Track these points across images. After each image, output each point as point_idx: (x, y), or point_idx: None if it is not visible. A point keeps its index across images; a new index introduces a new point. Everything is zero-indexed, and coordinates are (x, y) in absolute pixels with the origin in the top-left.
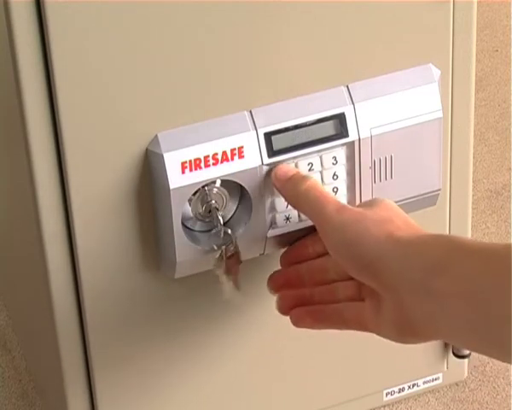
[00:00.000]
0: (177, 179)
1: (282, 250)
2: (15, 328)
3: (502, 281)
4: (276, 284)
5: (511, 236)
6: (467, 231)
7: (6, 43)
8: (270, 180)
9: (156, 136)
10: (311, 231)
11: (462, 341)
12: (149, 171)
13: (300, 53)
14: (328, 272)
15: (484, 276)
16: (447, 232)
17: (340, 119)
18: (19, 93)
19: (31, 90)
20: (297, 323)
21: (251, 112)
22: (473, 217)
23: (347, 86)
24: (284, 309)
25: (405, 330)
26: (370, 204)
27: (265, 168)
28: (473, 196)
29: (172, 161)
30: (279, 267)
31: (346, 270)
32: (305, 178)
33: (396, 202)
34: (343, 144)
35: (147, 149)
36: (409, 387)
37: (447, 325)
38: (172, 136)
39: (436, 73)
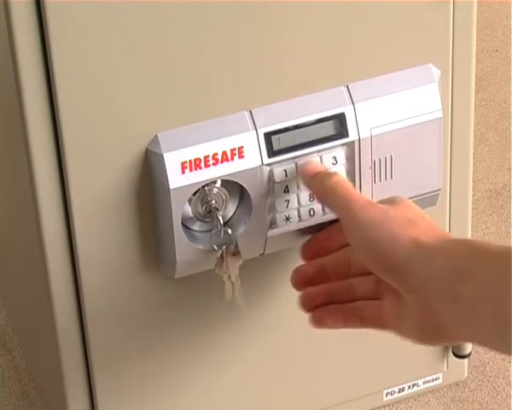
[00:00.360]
0: (177, 179)
1: (283, 250)
2: (15, 328)
3: None
4: (301, 279)
5: (511, 236)
6: (467, 231)
7: (6, 43)
8: (270, 180)
9: (156, 136)
10: (323, 225)
11: (487, 343)
12: (149, 171)
13: (300, 53)
14: (350, 266)
15: (509, 279)
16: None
17: (340, 119)
18: (19, 93)
19: (31, 90)
20: (318, 324)
21: (251, 112)
22: (473, 217)
23: (347, 86)
24: (308, 307)
25: (430, 333)
26: (393, 202)
27: (265, 168)
28: (473, 196)
29: (172, 161)
30: (279, 267)
31: (370, 268)
32: (331, 174)
33: None
34: (343, 144)
35: (147, 149)
36: (409, 387)
37: (473, 329)
38: (172, 136)
39: (436, 73)
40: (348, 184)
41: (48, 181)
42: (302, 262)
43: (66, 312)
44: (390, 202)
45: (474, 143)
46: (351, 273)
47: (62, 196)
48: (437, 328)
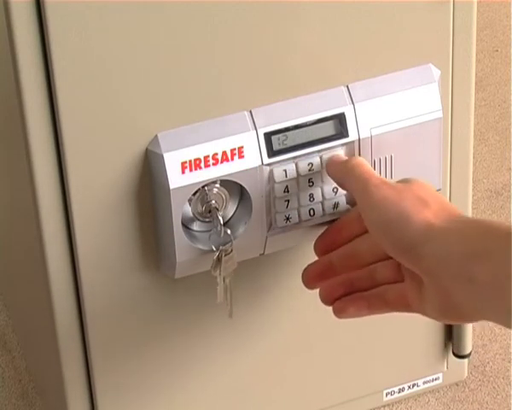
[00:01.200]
0: (177, 179)
1: (283, 250)
2: (15, 328)
3: None
4: (312, 276)
5: None
6: None
7: (6, 43)
8: (270, 180)
9: (156, 136)
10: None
11: (507, 323)
12: (149, 171)
13: (300, 53)
14: (363, 255)
15: None
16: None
17: (340, 119)
18: (19, 93)
19: (31, 90)
20: (340, 314)
21: (251, 112)
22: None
23: (347, 86)
24: (329, 300)
25: (449, 313)
26: (407, 182)
27: (265, 168)
28: (473, 196)
29: (172, 161)
30: (279, 267)
31: (386, 250)
32: (352, 157)
33: None
34: (343, 144)
35: (147, 149)
36: (409, 387)
37: (491, 310)
38: (172, 136)
39: (436, 73)
40: (367, 165)
41: (48, 181)
42: (304, 262)
43: (67, 312)
44: (404, 181)
45: (474, 143)
46: (364, 263)
47: (62, 196)
48: (455, 309)
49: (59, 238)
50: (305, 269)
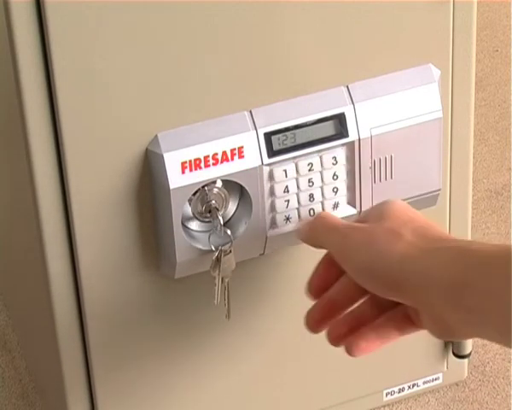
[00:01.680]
0: (177, 179)
1: (283, 250)
2: (15, 328)
3: None
4: (314, 320)
5: (511, 236)
6: (467, 231)
7: (6, 44)
8: (270, 180)
9: (156, 136)
10: None
11: (501, 342)
12: (149, 171)
13: (300, 53)
14: (359, 287)
15: (508, 287)
16: (447, 232)
17: (340, 119)
18: (19, 93)
19: (31, 90)
20: (353, 352)
21: (251, 112)
22: (473, 217)
23: (347, 86)
24: (337, 340)
25: (446, 333)
26: (376, 214)
27: (265, 168)
28: (473, 196)
29: (172, 161)
30: (279, 268)
31: (372, 291)
32: (316, 215)
33: None
34: (343, 144)
35: (147, 149)
36: (409, 387)
37: (484, 332)
38: (172, 136)
39: (436, 73)
40: (331, 217)
41: (48, 181)
42: (304, 262)
43: (66, 312)
44: (374, 212)
45: (474, 143)
46: (363, 293)
47: (62, 196)
48: (454, 331)
49: (59, 238)
50: (307, 315)
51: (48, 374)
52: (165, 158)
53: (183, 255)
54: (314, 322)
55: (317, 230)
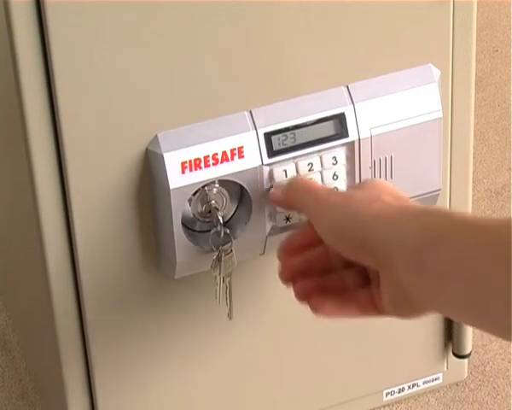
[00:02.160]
0: (177, 179)
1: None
2: (15, 328)
3: (501, 257)
4: (290, 274)
5: None
6: None
7: (6, 44)
8: (270, 180)
9: (156, 136)
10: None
11: (459, 316)
12: (149, 171)
13: (300, 53)
14: (332, 260)
15: (482, 252)
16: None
17: (340, 119)
18: (19, 93)
19: (31, 90)
20: (316, 309)
21: (251, 112)
22: None
23: (347, 86)
24: (301, 296)
25: (402, 306)
26: (359, 186)
27: (265, 168)
28: (473, 196)
29: (172, 161)
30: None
31: (343, 254)
32: (291, 179)
33: None
34: (343, 144)
35: (147, 149)
36: (409, 387)
37: (444, 302)
38: (172, 136)
39: (436, 73)
40: (310, 181)
41: (48, 181)
42: None
43: (66, 312)
44: (357, 186)
45: (474, 143)
46: (334, 267)
47: (62, 196)
48: (407, 301)
49: (59, 238)
50: (283, 269)
51: (48, 374)
52: (165, 158)
53: (183, 255)
54: (289, 276)
55: (295, 191)
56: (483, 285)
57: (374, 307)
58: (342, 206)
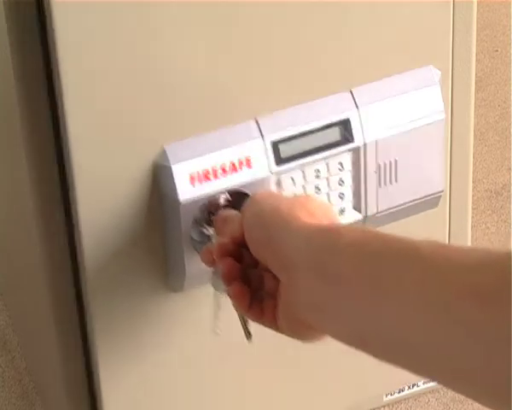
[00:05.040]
0: (187, 191)
1: None
2: (15, 328)
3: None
4: (221, 252)
5: (511, 236)
6: (467, 231)
7: (6, 43)
8: (278, 188)
9: (164, 148)
10: None
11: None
12: (158, 183)
13: (303, 59)
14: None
15: (379, 255)
16: (447, 232)
17: (345, 124)
18: (19, 93)
19: (31, 90)
20: (233, 297)
21: (257, 121)
22: (473, 217)
23: (351, 91)
24: (227, 278)
25: (295, 321)
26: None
27: (273, 177)
28: (473, 196)
29: (181, 173)
30: None
31: (251, 249)
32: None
33: (400, 205)
34: (349, 150)
35: (155, 162)
36: (408, 387)
37: (336, 311)
38: (180, 148)
39: (436, 74)
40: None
41: (48, 181)
42: None
43: (67, 312)
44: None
45: (474, 143)
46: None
47: (62, 196)
48: (302, 314)
49: (59, 238)
50: (218, 246)
51: (48, 374)
52: (173, 170)
53: (191, 268)
54: (220, 253)
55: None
56: (381, 287)
57: (273, 319)
58: (261, 203)
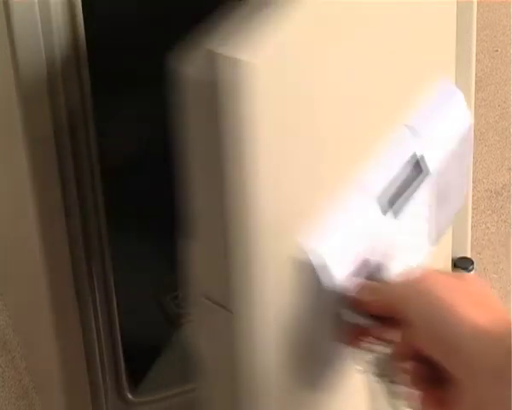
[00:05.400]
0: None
1: None
2: (15, 328)
3: None
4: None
5: (511, 236)
6: (467, 231)
7: (6, 44)
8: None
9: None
10: None
11: None
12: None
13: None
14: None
15: None
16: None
17: (415, 159)
18: (19, 93)
19: (31, 90)
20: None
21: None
22: (473, 217)
23: (406, 126)
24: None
25: None
26: (460, 277)
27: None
28: (473, 196)
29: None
30: None
31: (428, 350)
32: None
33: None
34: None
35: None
36: None
37: None
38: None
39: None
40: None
41: (48, 181)
42: None
43: (66, 312)
44: (458, 275)
45: (474, 143)
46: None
47: (62, 196)
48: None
49: (59, 238)
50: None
51: (48, 374)
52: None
53: None
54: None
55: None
56: None
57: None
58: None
